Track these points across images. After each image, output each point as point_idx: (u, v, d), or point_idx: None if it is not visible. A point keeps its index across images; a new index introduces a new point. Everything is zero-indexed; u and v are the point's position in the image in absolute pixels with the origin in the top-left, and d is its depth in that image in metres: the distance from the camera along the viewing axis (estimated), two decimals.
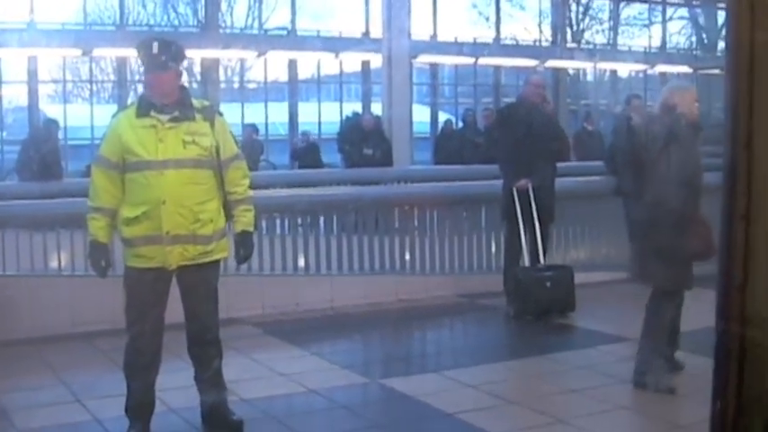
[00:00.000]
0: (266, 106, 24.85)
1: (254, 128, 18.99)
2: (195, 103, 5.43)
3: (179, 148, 5.22)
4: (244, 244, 5.60)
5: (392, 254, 9.93)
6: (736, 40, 1.95)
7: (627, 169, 10.46)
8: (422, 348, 9.07)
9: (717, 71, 26.00)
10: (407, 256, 10.09)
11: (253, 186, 5.66)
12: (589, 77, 30.07)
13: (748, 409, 1.96)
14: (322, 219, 10.09)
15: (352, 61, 25.45)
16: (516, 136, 9.02)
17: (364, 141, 16.04)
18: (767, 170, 1.92)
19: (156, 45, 5.25)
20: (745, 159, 1.89)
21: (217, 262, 5.50)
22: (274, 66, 25.40)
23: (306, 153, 18.46)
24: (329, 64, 25.79)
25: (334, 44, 24.39)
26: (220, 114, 5.57)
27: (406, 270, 10.08)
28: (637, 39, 29.49)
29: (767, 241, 1.92)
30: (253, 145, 17.15)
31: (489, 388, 6.62)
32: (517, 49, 26.40)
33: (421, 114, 24.98)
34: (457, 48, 25.35)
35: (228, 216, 5.49)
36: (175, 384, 6.00)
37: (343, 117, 21.05)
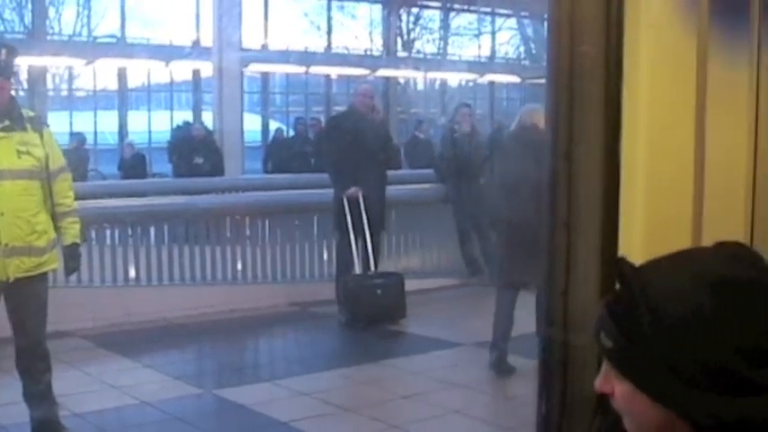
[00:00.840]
0: (95, 115, 24.23)
1: (81, 137, 18.56)
2: (23, 112, 5.30)
3: (13, 158, 5.10)
4: (72, 256, 5.50)
5: (224, 263, 9.84)
6: (556, 52, 2.01)
7: (451, 178, 10.77)
8: (255, 358, 9.02)
9: (544, 81, 26.76)
10: (239, 266, 10.02)
11: (81, 196, 5.55)
12: (420, 86, 30.52)
13: (571, 412, 2.02)
14: (152, 229, 9.92)
15: (182, 70, 25.08)
16: (345, 145, 9.09)
17: (195, 151, 15.88)
18: (587, 180, 1.98)
19: None
20: (566, 169, 1.95)
21: (46, 274, 5.38)
22: (104, 74, 24.79)
23: (132, 164, 18.12)
24: (159, 72, 25.33)
25: (165, 52, 23.97)
26: (47, 126, 5.48)
27: (238, 280, 10.00)
28: (466, 48, 30.13)
29: (587, 249, 1.99)
30: (79, 155, 16.76)
31: (323, 396, 6.63)
32: (348, 59, 26.56)
33: (252, 123, 24.83)
34: (288, 57, 25.32)
35: (55, 228, 5.36)
36: (3, 400, 5.83)
37: (174, 126, 20.73)
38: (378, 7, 27.82)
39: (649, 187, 2.02)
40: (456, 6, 29.14)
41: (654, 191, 2.03)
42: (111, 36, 24.04)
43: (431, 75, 29.26)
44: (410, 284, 9.33)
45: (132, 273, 9.41)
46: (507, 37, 31.32)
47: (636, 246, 2.03)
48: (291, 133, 20.17)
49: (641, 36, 2.01)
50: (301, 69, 26.09)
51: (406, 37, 29.41)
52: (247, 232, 10.45)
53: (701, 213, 2.06)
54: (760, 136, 2.19)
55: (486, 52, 30.30)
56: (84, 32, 24.46)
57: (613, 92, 2.00)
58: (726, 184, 2.15)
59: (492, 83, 29.38)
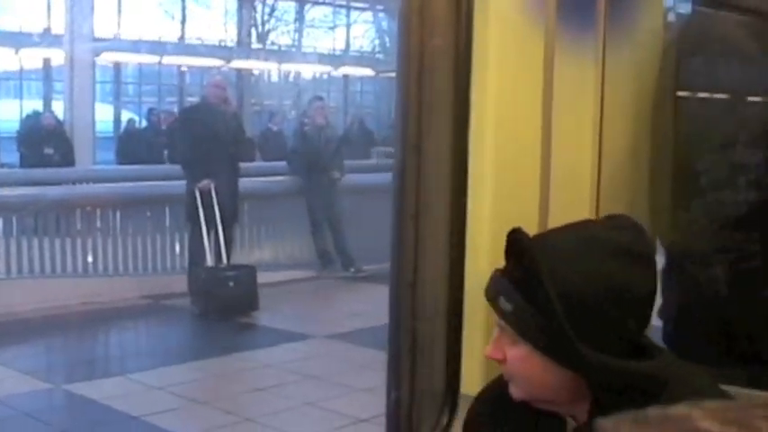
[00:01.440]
0: None
1: None
2: None
3: None
4: None
5: (75, 256, 9.63)
6: (406, 44, 2.03)
7: (303, 171, 10.82)
8: (106, 351, 8.86)
9: None
10: (90, 258, 9.80)
11: None
12: (274, 78, 30.36)
13: (420, 401, 2.04)
14: (0, 220, 9.60)
15: (32, 58, 24.26)
16: (197, 137, 9.01)
17: (44, 141, 15.47)
18: (435, 172, 2.01)
19: None
20: (415, 162, 1.97)
21: None
22: None
23: None
24: (8, 60, 24.43)
25: (14, 39, 23.14)
26: None
27: (89, 272, 9.79)
28: (322, 41, 30.10)
29: (435, 240, 2.02)
30: None
31: (176, 389, 6.55)
32: (202, 49, 26.22)
33: (104, 114, 24.24)
34: (141, 46, 24.81)
35: None
36: None
37: (23, 116, 20.08)
38: None
39: (497, 181, 2.06)
40: None
41: (501, 185, 2.07)
42: None
43: (285, 67, 29.13)
44: (263, 277, 9.31)
45: None
46: (362, 30, 31.43)
47: (484, 239, 2.07)
48: (144, 124, 19.80)
49: (490, 31, 2.05)
50: (154, 59, 25.62)
51: (260, 28, 29.20)
52: (98, 224, 10.23)
53: (548, 208, 2.12)
54: (604, 133, 2.27)
55: (340, 45, 30.36)
56: None
57: (462, 86, 2.02)
58: (572, 177, 2.22)
59: (346, 76, 29.44)
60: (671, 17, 2.90)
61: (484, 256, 2.06)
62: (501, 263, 1.86)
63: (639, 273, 1.74)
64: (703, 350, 2.32)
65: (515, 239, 1.76)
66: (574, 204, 2.18)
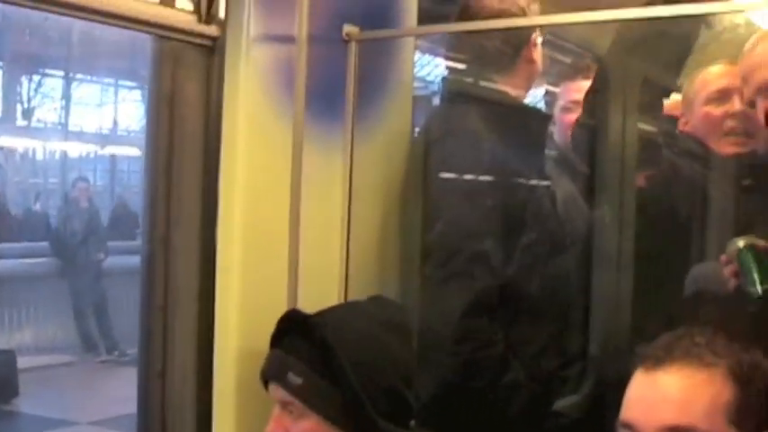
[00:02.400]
0: None
1: None
2: None
3: None
4: None
5: None
6: (154, 135, 2.04)
7: (67, 252, 10.50)
8: None
9: None
10: None
11: None
12: (40, 156, 29.36)
13: None
14: None
15: None
16: None
17: None
18: (184, 262, 2.02)
19: None
20: (163, 253, 1.98)
21: None
22: None
23: None
24: None
25: None
26: None
27: None
28: (89, 119, 29.36)
29: (183, 332, 2.02)
30: None
31: None
32: None
33: None
34: None
35: None
36: None
37: None
38: None
39: (245, 271, 2.08)
40: (79, 76, 28.45)
41: (249, 274, 2.09)
42: None
43: (51, 145, 28.25)
44: (23, 361, 8.90)
45: None
46: (130, 109, 30.93)
47: (232, 329, 2.07)
48: None
49: (239, 123, 2.08)
50: None
51: (26, 105, 28.26)
52: None
53: (296, 295, 2.15)
54: (353, 219, 2.35)
55: (108, 124, 29.73)
56: None
57: (211, 176, 2.05)
58: (320, 263, 2.30)
59: (113, 155, 28.83)
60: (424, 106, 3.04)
61: (233, 346, 2.07)
62: (251, 351, 1.90)
63: (409, 345, 1.97)
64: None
65: (297, 318, 1.90)
66: (323, 289, 2.24)
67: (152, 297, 1.99)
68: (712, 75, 2.54)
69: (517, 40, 2.55)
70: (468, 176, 2.48)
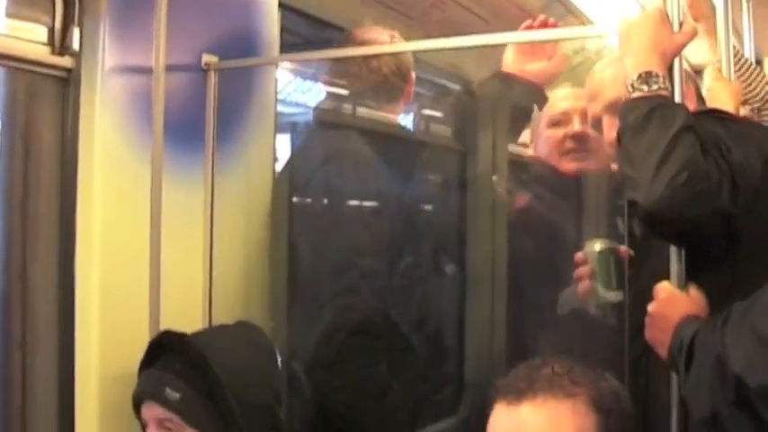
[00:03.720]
0: None
1: None
2: None
3: None
4: None
5: None
6: (9, 171, 2.00)
7: None
8: None
9: None
10: None
11: None
12: None
13: None
14: None
15: None
16: None
17: None
18: (42, 299, 1.98)
19: None
20: (20, 290, 1.94)
21: None
22: None
23: None
24: None
25: None
26: None
27: None
28: None
29: (44, 368, 1.98)
30: None
31: None
32: None
33: None
34: None
35: None
36: None
37: None
38: None
39: (104, 305, 2.04)
40: None
41: (109, 308, 2.06)
42: None
43: None
44: None
45: None
46: None
47: (92, 362, 2.05)
48: None
49: (95, 159, 2.05)
50: None
51: None
52: None
53: (159, 323, 2.14)
54: (216, 248, 2.34)
55: None
56: None
57: (69, 210, 2.03)
58: (183, 294, 2.30)
59: None
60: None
61: (94, 379, 2.04)
62: (114, 380, 1.98)
63: (275, 366, 2.07)
64: None
65: (171, 338, 1.95)
66: (186, 317, 2.23)
67: (10, 335, 1.95)
68: (555, 98, 2.59)
69: (405, 69, 2.61)
70: (351, 201, 2.51)
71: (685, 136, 1.65)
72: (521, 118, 2.65)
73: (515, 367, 1.66)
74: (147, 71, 2.17)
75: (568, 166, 2.49)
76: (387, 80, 2.59)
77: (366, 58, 2.54)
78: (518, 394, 1.56)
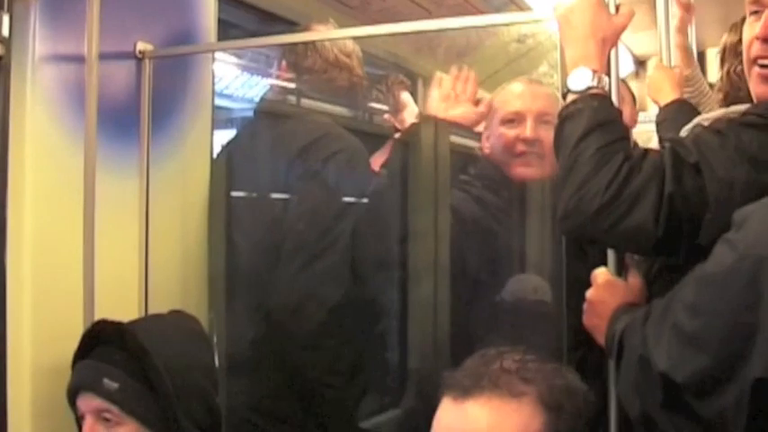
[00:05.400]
0: None
1: None
2: None
3: None
4: None
5: None
6: None
7: None
8: None
9: None
10: None
11: None
12: None
13: None
14: None
15: None
16: None
17: None
18: None
19: None
20: None
21: None
22: None
23: None
24: None
25: None
26: None
27: None
28: None
29: None
30: None
31: None
32: None
33: None
34: None
35: None
36: None
37: None
38: None
39: (36, 295, 2.02)
40: None
41: (41, 298, 2.03)
42: None
43: None
44: None
45: None
46: None
47: (25, 355, 2.02)
48: None
49: (26, 143, 2.01)
50: None
51: None
52: None
53: (93, 313, 2.11)
54: (151, 238, 2.32)
55: None
56: None
57: None
58: (118, 284, 2.28)
59: None
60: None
61: (26, 372, 2.01)
62: (47, 370, 1.97)
63: (212, 354, 2.10)
64: None
65: (107, 328, 1.92)
66: (121, 306, 2.21)
67: None
68: (510, 95, 2.52)
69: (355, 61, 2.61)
70: (290, 193, 2.49)
71: (584, 148, 1.60)
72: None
73: (461, 358, 1.63)
74: (79, 59, 2.14)
75: (519, 170, 2.42)
76: (335, 72, 2.58)
77: (315, 50, 2.53)
78: (464, 391, 1.54)
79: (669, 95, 2.51)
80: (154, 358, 1.85)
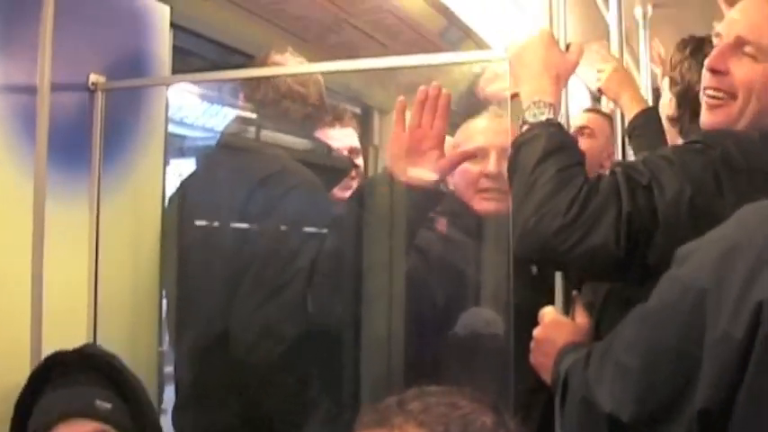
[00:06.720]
0: None
1: None
2: None
3: None
4: None
5: None
6: None
7: None
8: None
9: None
10: None
11: None
12: None
13: None
14: None
15: None
16: None
17: None
18: None
19: None
20: None
21: None
22: None
23: None
24: None
25: None
26: None
27: None
28: None
29: None
30: None
31: None
32: None
33: None
34: None
35: None
36: None
37: None
38: None
39: None
40: None
41: None
42: None
43: None
44: None
45: None
46: None
47: None
48: None
49: None
50: None
51: None
52: None
53: (41, 341, 2.09)
54: (102, 267, 2.31)
55: None
56: None
57: None
58: (67, 312, 2.25)
59: None
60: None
61: None
62: None
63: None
64: None
65: (69, 357, 1.95)
66: (69, 341, 2.18)
67: None
68: (473, 130, 2.49)
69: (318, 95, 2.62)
70: (246, 224, 2.48)
71: (543, 170, 1.61)
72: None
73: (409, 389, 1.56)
74: (31, 89, 2.13)
75: (483, 205, 2.40)
76: (287, 103, 2.57)
77: (267, 81, 2.53)
78: (361, 426, 1.38)
79: (632, 101, 2.51)
80: (130, 377, 1.94)
